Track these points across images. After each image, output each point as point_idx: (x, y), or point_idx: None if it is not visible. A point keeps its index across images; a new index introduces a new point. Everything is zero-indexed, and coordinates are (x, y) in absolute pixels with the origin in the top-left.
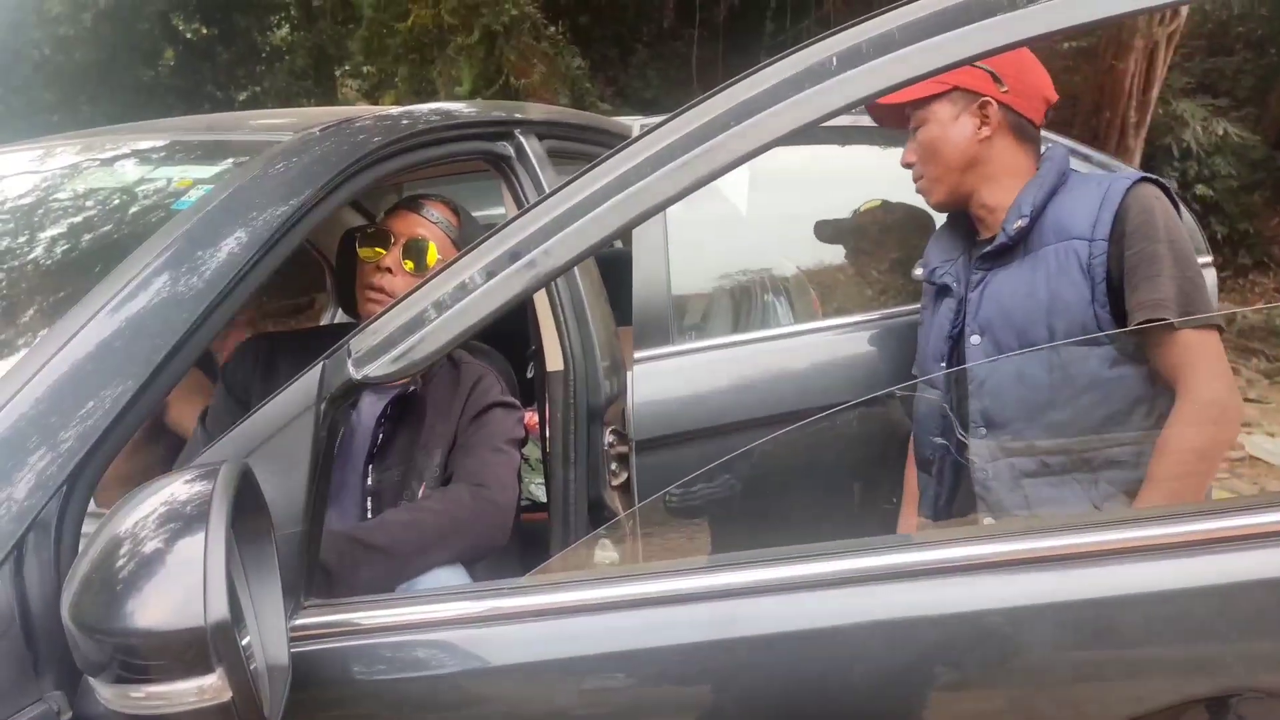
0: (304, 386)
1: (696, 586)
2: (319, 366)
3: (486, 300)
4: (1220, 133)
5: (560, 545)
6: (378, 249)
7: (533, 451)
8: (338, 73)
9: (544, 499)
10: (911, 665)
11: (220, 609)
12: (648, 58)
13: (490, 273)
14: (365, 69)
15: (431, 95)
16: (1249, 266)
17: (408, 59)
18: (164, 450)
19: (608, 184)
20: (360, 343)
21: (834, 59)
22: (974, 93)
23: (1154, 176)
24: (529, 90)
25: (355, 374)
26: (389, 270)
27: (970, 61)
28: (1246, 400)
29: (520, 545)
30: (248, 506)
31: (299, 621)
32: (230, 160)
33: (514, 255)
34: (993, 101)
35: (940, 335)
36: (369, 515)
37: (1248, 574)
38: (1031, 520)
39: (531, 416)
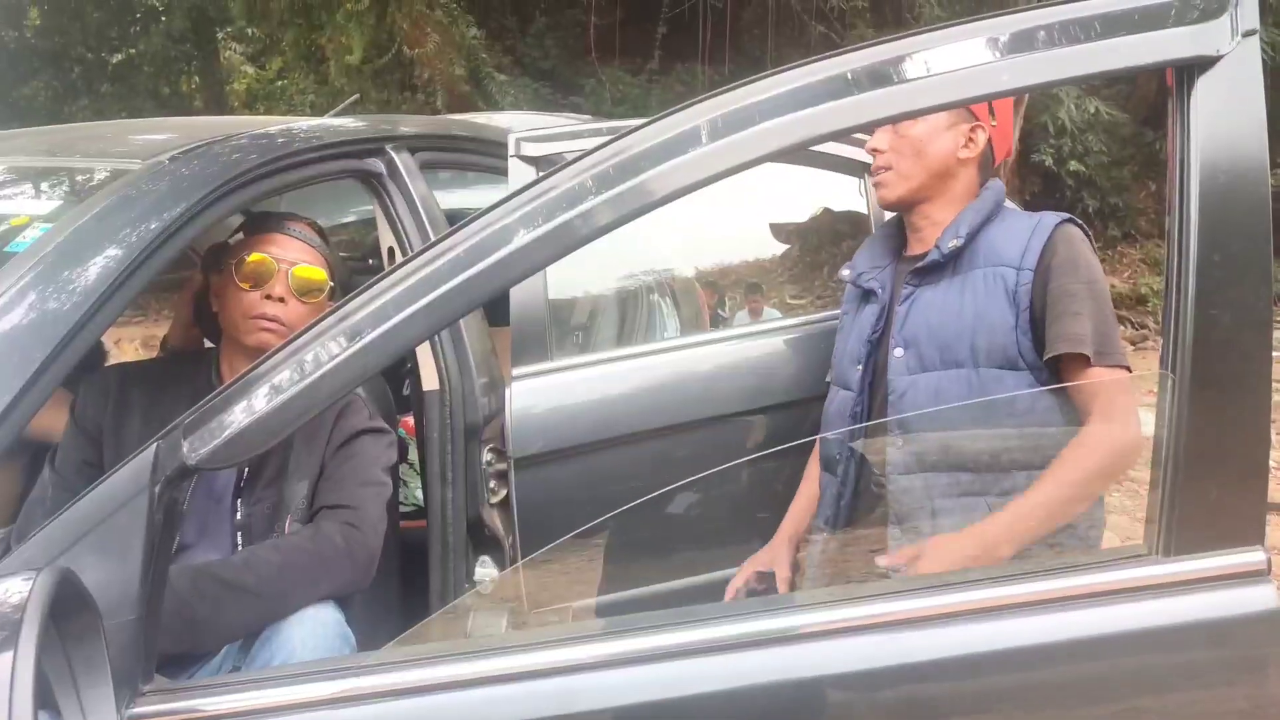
0: (138, 467)
1: (566, 659)
2: (153, 447)
3: (323, 382)
4: (1092, 110)
5: (439, 564)
6: (263, 279)
7: (413, 454)
8: (220, 35)
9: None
10: None
11: None
12: (545, 27)
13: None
14: (250, 31)
15: (321, 62)
16: (1118, 238)
17: (294, 23)
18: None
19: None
20: (195, 422)
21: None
22: (973, 114)
23: (1076, 219)
24: (423, 59)
25: (189, 458)
26: (281, 300)
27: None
28: None
29: (400, 556)
30: (72, 607)
31: (135, 711)
32: (72, 191)
33: (352, 333)
34: (985, 128)
35: (861, 339)
36: (239, 549)
37: None
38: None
39: (409, 419)
